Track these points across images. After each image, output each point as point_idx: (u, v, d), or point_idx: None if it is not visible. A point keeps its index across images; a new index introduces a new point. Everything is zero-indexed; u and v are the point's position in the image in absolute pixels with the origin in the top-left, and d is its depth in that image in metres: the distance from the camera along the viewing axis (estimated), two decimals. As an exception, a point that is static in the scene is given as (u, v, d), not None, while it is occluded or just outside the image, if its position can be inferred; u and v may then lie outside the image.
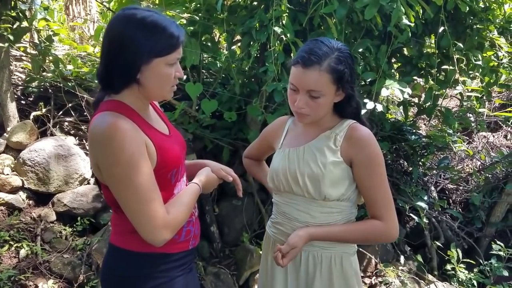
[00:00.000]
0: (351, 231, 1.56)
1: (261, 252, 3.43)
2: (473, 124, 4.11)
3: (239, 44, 3.45)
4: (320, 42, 1.48)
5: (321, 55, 1.43)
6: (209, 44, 3.55)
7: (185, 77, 3.43)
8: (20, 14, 3.33)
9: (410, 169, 4.21)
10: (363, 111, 2.81)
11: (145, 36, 1.23)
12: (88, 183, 3.35)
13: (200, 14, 3.22)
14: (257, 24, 2.84)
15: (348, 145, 1.52)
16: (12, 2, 3.28)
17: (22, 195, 3.15)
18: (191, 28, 3.26)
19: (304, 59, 1.44)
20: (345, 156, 1.52)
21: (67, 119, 3.63)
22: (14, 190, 3.12)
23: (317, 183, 1.52)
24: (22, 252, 2.87)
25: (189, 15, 3.27)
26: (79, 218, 3.12)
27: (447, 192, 4.77)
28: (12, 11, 3.28)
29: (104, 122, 1.21)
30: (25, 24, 3.39)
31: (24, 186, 3.15)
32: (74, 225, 3.11)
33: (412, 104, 4.03)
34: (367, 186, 1.53)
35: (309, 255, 1.60)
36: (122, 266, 1.38)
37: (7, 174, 3.13)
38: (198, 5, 3.26)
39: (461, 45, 3.17)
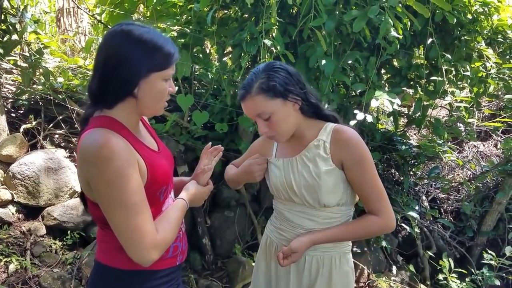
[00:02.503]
0: (352, 230, 1.63)
1: (253, 264, 3.43)
2: (463, 134, 4.15)
3: (230, 55, 3.47)
4: (251, 73, 1.59)
5: (248, 83, 1.56)
6: (200, 56, 3.56)
7: (176, 88, 3.44)
8: (10, 27, 3.34)
9: (401, 178, 4.23)
10: (353, 122, 2.86)
11: (144, 52, 1.24)
12: (78, 196, 3.33)
13: (191, 27, 3.24)
14: (247, 37, 2.87)
15: (337, 148, 1.57)
16: (2, 16, 3.28)
17: (11, 209, 3.12)
18: (182, 40, 3.28)
19: (240, 95, 1.59)
20: (336, 161, 1.57)
21: (58, 131, 3.62)
22: (3, 204, 3.08)
23: (314, 193, 1.58)
24: (11, 267, 2.84)
25: (180, 27, 3.28)
26: (69, 232, 3.10)
27: (438, 201, 4.79)
28: (2, 24, 3.28)
29: (96, 139, 1.20)
30: (15, 37, 3.38)
31: (14, 200, 3.12)
32: (64, 238, 3.08)
33: (402, 114, 4.06)
34: (359, 184, 1.59)
35: (313, 259, 1.67)
36: (109, 284, 1.36)
37: (-3, 188, 3.11)
38: (189, 18, 3.28)
39: (449, 56, 3.21)
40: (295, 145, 1.66)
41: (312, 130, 1.64)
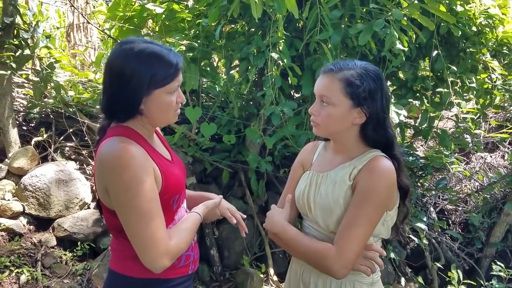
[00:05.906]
0: (301, 241, 1.45)
1: (261, 276, 3.43)
2: (470, 145, 4.15)
3: (237, 68, 3.52)
4: (350, 60, 1.48)
5: (341, 66, 1.44)
6: (208, 69, 3.62)
7: (185, 101, 3.49)
8: (23, 42, 3.41)
9: (409, 190, 4.22)
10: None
11: (144, 69, 1.26)
12: (88, 208, 3.37)
13: (199, 41, 3.30)
14: (254, 50, 2.91)
15: (362, 174, 1.43)
16: (15, 31, 3.36)
17: (23, 220, 3.16)
18: (191, 54, 3.33)
19: (325, 68, 1.48)
20: (353, 188, 1.43)
21: (68, 144, 3.67)
22: (15, 216, 3.13)
23: (326, 216, 1.46)
24: (23, 278, 2.87)
25: (188, 41, 3.34)
26: (79, 243, 3.13)
27: (446, 212, 4.78)
28: (14, 40, 3.35)
29: (114, 147, 1.24)
30: (27, 51, 3.46)
31: (25, 212, 3.17)
32: (75, 249, 3.12)
33: (409, 126, 4.08)
34: (347, 211, 1.40)
35: (318, 279, 1.52)
36: None
37: (8, 200, 3.15)
38: (197, 32, 3.34)
39: (455, 68, 3.24)
40: (332, 161, 1.54)
41: (354, 152, 1.49)
